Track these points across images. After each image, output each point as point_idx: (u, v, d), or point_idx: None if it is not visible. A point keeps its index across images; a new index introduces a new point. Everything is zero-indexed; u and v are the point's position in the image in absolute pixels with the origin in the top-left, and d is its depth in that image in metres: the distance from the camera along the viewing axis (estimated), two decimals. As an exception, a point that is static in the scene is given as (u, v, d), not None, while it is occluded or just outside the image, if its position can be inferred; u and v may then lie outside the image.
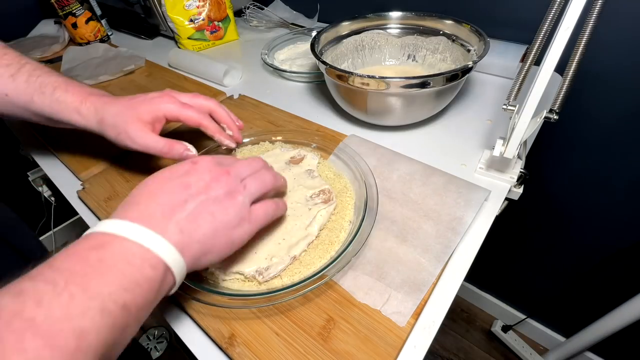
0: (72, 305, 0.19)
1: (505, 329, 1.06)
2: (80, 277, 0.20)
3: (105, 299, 0.20)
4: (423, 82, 0.42)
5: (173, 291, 0.26)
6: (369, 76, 0.42)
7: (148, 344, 1.16)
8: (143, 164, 0.48)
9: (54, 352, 0.17)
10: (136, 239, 0.23)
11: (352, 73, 0.43)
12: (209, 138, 0.42)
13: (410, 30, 0.57)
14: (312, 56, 0.49)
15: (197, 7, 0.75)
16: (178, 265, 0.24)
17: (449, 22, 0.53)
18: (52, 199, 0.99)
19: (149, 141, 0.38)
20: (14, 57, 0.41)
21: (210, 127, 0.40)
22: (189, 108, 0.40)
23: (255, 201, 0.30)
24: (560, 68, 0.32)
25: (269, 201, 0.31)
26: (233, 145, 0.44)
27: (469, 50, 0.50)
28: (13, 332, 0.16)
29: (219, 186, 0.28)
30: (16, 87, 0.40)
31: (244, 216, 0.28)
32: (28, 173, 0.90)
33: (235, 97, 0.62)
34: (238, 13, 0.89)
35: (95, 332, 0.19)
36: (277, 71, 0.66)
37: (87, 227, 0.33)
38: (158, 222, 0.24)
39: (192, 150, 0.40)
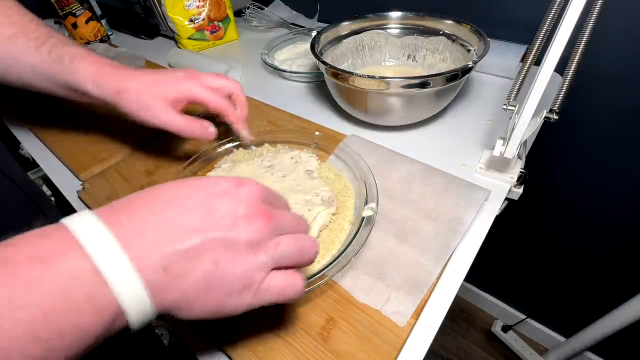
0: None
1: (505, 329, 1.06)
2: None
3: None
4: (423, 82, 0.42)
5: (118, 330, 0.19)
6: (369, 76, 0.42)
7: (148, 344, 1.16)
8: (143, 163, 0.48)
9: None
10: (98, 262, 0.17)
11: (352, 73, 0.43)
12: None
13: (410, 30, 0.57)
14: (312, 56, 0.49)
15: (197, 7, 0.75)
16: (138, 311, 0.18)
17: (449, 22, 0.53)
18: (52, 199, 0.99)
19: (169, 117, 0.38)
20: (44, 32, 0.42)
21: (231, 115, 0.39)
22: (213, 92, 0.39)
23: (278, 268, 0.22)
24: (560, 68, 0.32)
25: (297, 275, 0.23)
26: (251, 138, 0.43)
27: (469, 50, 0.50)
28: None
29: (247, 229, 0.20)
30: (41, 59, 0.40)
31: (251, 284, 0.21)
32: (28, 173, 0.90)
33: (235, 97, 0.62)
34: (238, 13, 0.89)
35: None
36: (277, 71, 0.66)
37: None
38: (143, 245, 0.18)
39: (212, 129, 0.39)
